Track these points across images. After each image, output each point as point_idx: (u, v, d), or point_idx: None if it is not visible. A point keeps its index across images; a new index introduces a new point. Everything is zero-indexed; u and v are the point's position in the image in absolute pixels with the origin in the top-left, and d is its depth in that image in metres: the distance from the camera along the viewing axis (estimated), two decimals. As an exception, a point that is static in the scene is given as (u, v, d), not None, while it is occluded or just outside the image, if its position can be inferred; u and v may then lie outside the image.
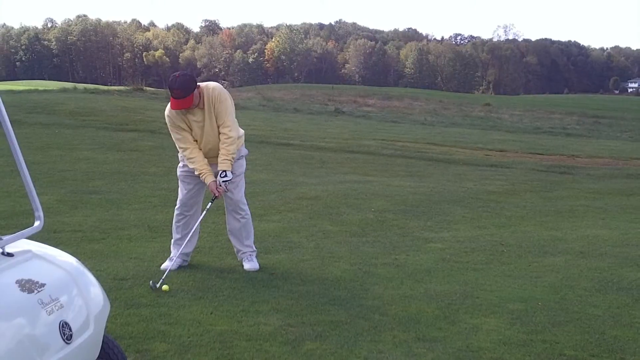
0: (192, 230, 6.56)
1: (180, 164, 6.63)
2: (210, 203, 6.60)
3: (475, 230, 8.85)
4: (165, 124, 6.50)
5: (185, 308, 5.46)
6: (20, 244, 3.07)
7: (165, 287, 5.83)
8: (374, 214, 9.51)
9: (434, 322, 5.38)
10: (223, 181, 6.27)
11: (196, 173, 6.37)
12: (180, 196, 6.62)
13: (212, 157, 6.39)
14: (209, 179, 6.31)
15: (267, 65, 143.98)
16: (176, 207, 6.65)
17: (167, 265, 6.45)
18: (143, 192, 10.16)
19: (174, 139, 6.45)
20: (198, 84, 6.28)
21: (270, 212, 9.30)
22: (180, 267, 6.50)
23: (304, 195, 10.65)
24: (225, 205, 6.67)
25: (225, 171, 6.26)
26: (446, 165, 15.99)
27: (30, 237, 3.12)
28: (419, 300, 5.88)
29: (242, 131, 6.64)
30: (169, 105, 6.30)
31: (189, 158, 6.37)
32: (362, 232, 8.48)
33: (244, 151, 6.67)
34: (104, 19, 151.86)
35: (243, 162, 6.67)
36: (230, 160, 6.28)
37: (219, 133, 6.30)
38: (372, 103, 41.58)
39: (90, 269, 3.40)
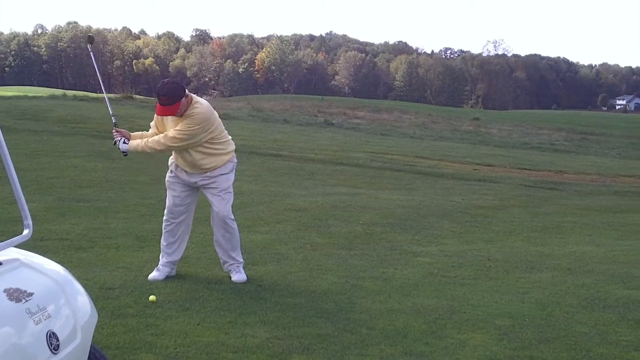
0: (179, 238, 6.57)
1: (169, 172, 6.64)
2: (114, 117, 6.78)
3: (463, 245, 8.87)
4: None
5: (172, 319, 5.43)
6: (8, 252, 3.05)
7: (152, 297, 5.81)
8: (362, 227, 9.51)
9: (421, 336, 5.39)
10: (118, 143, 6.58)
11: None
12: (167, 203, 6.63)
13: (185, 168, 6.44)
14: (132, 138, 6.59)
15: (257, 75, 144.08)
16: (164, 214, 6.66)
17: (154, 275, 6.44)
18: (131, 201, 10.12)
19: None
20: (191, 95, 6.28)
21: (258, 223, 9.29)
22: (167, 278, 6.48)
23: (292, 206, 10.64)
24: (212, 217, 6.66)
25: (128, 143, 6.53)
26: (434, 178, 16.01)
27: (18, 245, 3.11)
28: (406, 315, 5.88)
29: (233, 146, 6.62)
30: None
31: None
32: (350, 244, 8.48)
33: (230, 166, 6.61)
34: (95, 26, 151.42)
35: (231, 176, 6.60)
36: (142, 147, 6.43)
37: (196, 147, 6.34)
38: (362, 115, 41.63)
39: (78, 278, 3.38)
